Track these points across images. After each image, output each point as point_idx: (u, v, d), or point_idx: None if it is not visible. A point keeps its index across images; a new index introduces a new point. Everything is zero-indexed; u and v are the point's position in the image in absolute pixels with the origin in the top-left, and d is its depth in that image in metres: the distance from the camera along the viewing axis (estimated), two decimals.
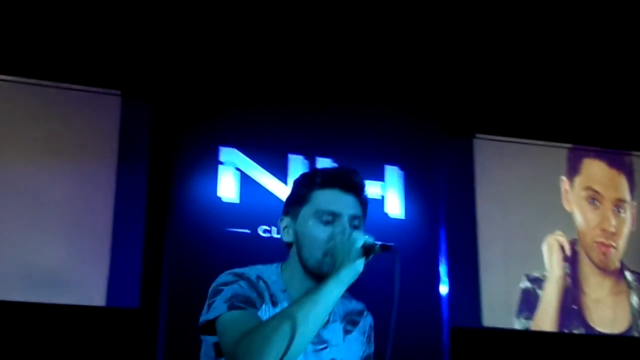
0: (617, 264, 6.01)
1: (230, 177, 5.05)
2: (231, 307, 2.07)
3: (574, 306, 5.82)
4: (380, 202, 5.26)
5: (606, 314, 5.90)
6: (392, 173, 5.36)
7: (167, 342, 4.65)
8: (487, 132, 5.94)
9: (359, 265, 2.11)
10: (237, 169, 5.07)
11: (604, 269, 5.97)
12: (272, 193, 5.08)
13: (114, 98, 5.12)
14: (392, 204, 5.28)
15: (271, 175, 5.11)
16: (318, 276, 2.15)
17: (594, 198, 6.06)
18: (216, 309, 2.10)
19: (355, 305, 2.39)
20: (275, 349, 1.89)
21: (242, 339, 1.93)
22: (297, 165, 5.17)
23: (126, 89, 5.13)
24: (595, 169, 6.16)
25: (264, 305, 2.14)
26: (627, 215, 6.13)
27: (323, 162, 5.22)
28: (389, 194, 5.30)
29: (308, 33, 5.31)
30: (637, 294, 6.02)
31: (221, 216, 4.95)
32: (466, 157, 5.87)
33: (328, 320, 2.23)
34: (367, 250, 2.13)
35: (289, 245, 2.31)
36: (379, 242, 2.14)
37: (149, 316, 4.82)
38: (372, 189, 5.27)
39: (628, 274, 6.03)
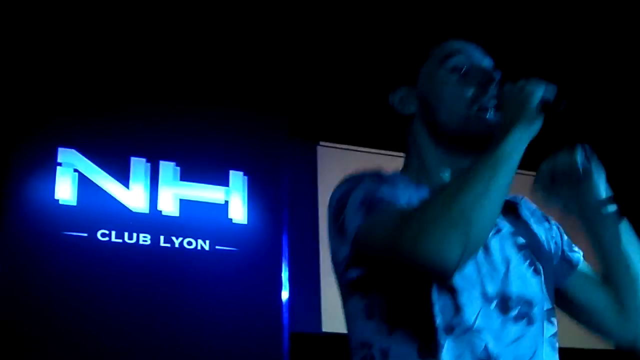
0: None
1: (68, 179, 4.90)
2: (370, 210, 1.64)
3: None
4: (224, 207, 5.24)
5: None
6: (237, 178, 5.34)
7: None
8: (331, 139, 6.03)
9: (538, 124, 1.60)
10: (76, 170, 4.93)
11: None
12: (112, 196, 4.96)
13: None
14: (235, 209, 5.27)
15: (111, 178, 4.99)
16: (465, 141, 1.73)
17: None
18: (350, 223, 1.67)
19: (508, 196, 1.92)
20: (451, 229, 1.47)
21: (404, 222, 1.53)
22: (139, 169, 5.08)
23: None
24: None
25: None
26: None
27: (166, 166, 5.15)
28: (233, 199, 5.28)
29: (149, 32, 5.22)
30: None
31: (58, 219, 4.79)
32: (310, 163, 5.93)
33: None
34: (547, 108, 1.60)
35: (409, 117, 1.87)
36: (562, 99, 1.62)
37: None
38: (215, 194, 5.25)
39: None
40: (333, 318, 5.66)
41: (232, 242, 5.17)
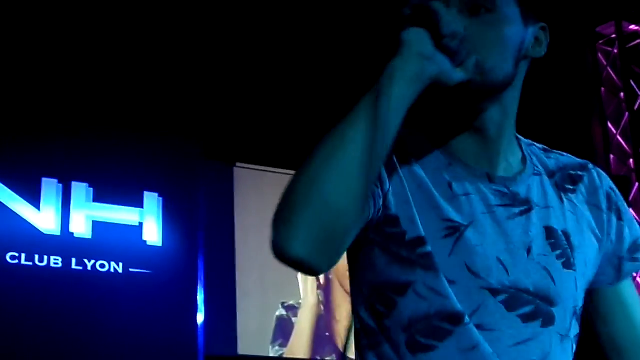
0: None
1: None
2: None
3: (326, 333, 5.98)
4: (138, 229, 5.17)
5: None
6: (151, 199, 5.28)
7: None
8: (248, 161, 6.01)
9: (415, 41, 1.28)
10: None
11: None
12: (22, 218, 4.85)
13: None
14: (150, 231, 5.20)
15: (22, 200, 4.88)
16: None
17: None
18: None
19: (572, 161, 1.56)
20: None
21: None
22: (50, 190, 4.98)
23: None
24: None
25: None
26: None
27: (79, 187, 5.07)
28: (147, 220, 5.22)
29: (63, 55, 5.14)
30: None
31: None
32: (226, 185, 5.91)
33: (523, 171, 1.48)
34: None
35: None
36: None
37: None
38: (129, 215, 5.18)
39: None
40: (249, 341, 5.63)
41: (147, 264, 5.11)
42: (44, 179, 5.00)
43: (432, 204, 1.41)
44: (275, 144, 6.04)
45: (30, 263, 4.79)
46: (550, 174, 1.52)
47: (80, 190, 5.07)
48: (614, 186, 1.55)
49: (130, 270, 5.05)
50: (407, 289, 1.39)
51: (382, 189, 1.38)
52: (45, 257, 4.84)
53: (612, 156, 6.20)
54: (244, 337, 5.60)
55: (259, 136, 5.97)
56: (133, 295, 4.99)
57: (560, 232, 1.47)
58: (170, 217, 5.31)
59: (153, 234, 5.21)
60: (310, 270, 1.25)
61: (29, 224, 4.85)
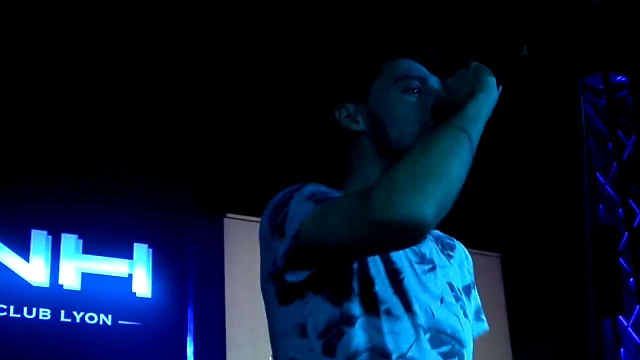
0: None
1: None
2: (319, 201, 1.55)
3: None
4: (127, 280, 5.15)
5: None
6: (141, 250, 5.27)
7: None
8: (238, 211, 6.01)
9: (494, 86, 1.61)
10: None
11: None
12: (10, 269, 4.82)
13: None
14: (139, 282, 5.18)
15: (10, 251, 4.86)
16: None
17: None
18: (293, 218, 1.55)
19: (440, 232, 1.89)
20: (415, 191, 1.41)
21: (365, 196, 1.45)
22: (40, 241, 4.97)
23: None
24: None
25: None
26: None
27: (68, 239, 5.05)
28: (137, 272, 5.20)
29: (50, 104, 5.16)
30: None
31: None
32: (216, 235, 5.90)
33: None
34: (505, 67, 1.63)
35: (356, 134, 1.79)
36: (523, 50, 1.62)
37: None
38: (119, 267, 5.16)
39: None
40: None
41: (136, 316, 5.08)
42: (33, 231, 4.98)
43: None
44: (265, 195, 6.03)
45: (19, 315, 4.75)
46: (435, 240, 1.82)
47: (69, 242, 5.06)
48: (468, 257, 1.89)
49: (119, 322, 5.01)
50: (356, 321, 1.58)
51: None
52: (34, 309, 4.80)
53: (601, 206, 6.22)
54: None
55: (250, 187, 5.98)
56: (122, 347, 4.95)
57: (456, 287, 1.76)
58: (160, 267, 5.29)
59: (142, 285, 5.19)
60: (421, 226, 1.43)
61: (18, 276, 4.83)
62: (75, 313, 4.91)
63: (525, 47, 1.62)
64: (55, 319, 4.85)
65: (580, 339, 6.47)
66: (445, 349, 1.64)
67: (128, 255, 5.22)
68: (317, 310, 1.60)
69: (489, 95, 1.58)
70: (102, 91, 5.21)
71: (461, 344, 1.68)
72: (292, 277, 1.56)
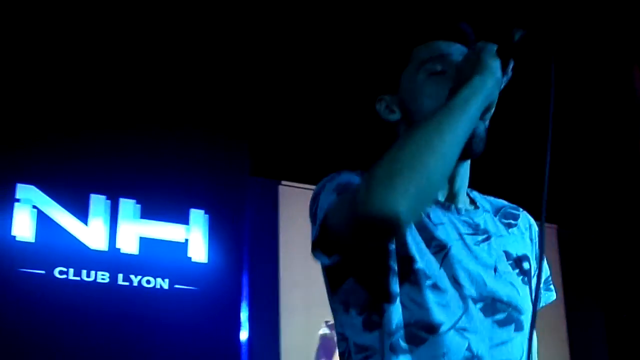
0: None
1: (27, 216, 4.84)
2: (341, 192, 1.64)
3: None
4: (183, 245, 5.21)
5: None
6: (197, 216, 5.32)
7: None
8: (293, 179, 6.03)
9: (495, 68, 1.62)
10: (35, 207, 4.87)
11: None
12: (70, 233, 4.91)
13: None
14: (195, 247, 5.24)
15: (71, 215, 4.95)
16: None
17: None
18: (321, 208, 1.65)
19: (505, 203, 1.92)
20: (406, 172, 1.45)
21: (360, 185, 1.52)
22: (99, 206, 5.04)
23: None
24: None
25: None
26: None
27: (127, 204, 5.12)
28: (193, 237, 5.25)
29: (112, 70, 5.22)
30: None
31: (14, 256, 4.72)
32: (271, 203, 5.93)
33: (477, 208, 1.81)
34: (504, 50, 1.63)
35: (395, 124, 1.84)
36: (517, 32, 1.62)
37: None
38: (176, 232, 5.22)
39: None
40: (291, 359, 5.63)
41: (192, 281, 5.14)
42: (92, 195, 5.06)
43: (420, 226, 1.68)
44: (320, 163, 6.05)
45: (78, 278, 4.84)
46: (494, 212, 1.84)
47: (127, 207, 5.13)
48: (533, 224, 1.90)
49: (176, 286, 5.08)
50: (396, 298, 1.63)
51: None
52: (93, 272, 4.89)
53: None
54: (286, 355, 5.59)
55: (305, 155, 5.99)
56: (178, 311, 5.02)
57: (514, 256, 1.77)
58: (216, 234, 5.34)
59: (199, 250, 5.24)
60: (395, 221, 1.45)
61: (77, 239, 4.91)
62: (132, 277, 4.99)
63: (516, 27, 1.62)
64: (113, 282, 4.93)
65: (636, 309, 6.40)
66: (500, 316, 1.66)
67: (184, 220, 5.27)
68: (357, 289, 1.69)
69: (484, 78, 1.59)
70: (161, 55, 5.25)
71: (519, 310, 1.69)
72: (326, 261, 1.66)
